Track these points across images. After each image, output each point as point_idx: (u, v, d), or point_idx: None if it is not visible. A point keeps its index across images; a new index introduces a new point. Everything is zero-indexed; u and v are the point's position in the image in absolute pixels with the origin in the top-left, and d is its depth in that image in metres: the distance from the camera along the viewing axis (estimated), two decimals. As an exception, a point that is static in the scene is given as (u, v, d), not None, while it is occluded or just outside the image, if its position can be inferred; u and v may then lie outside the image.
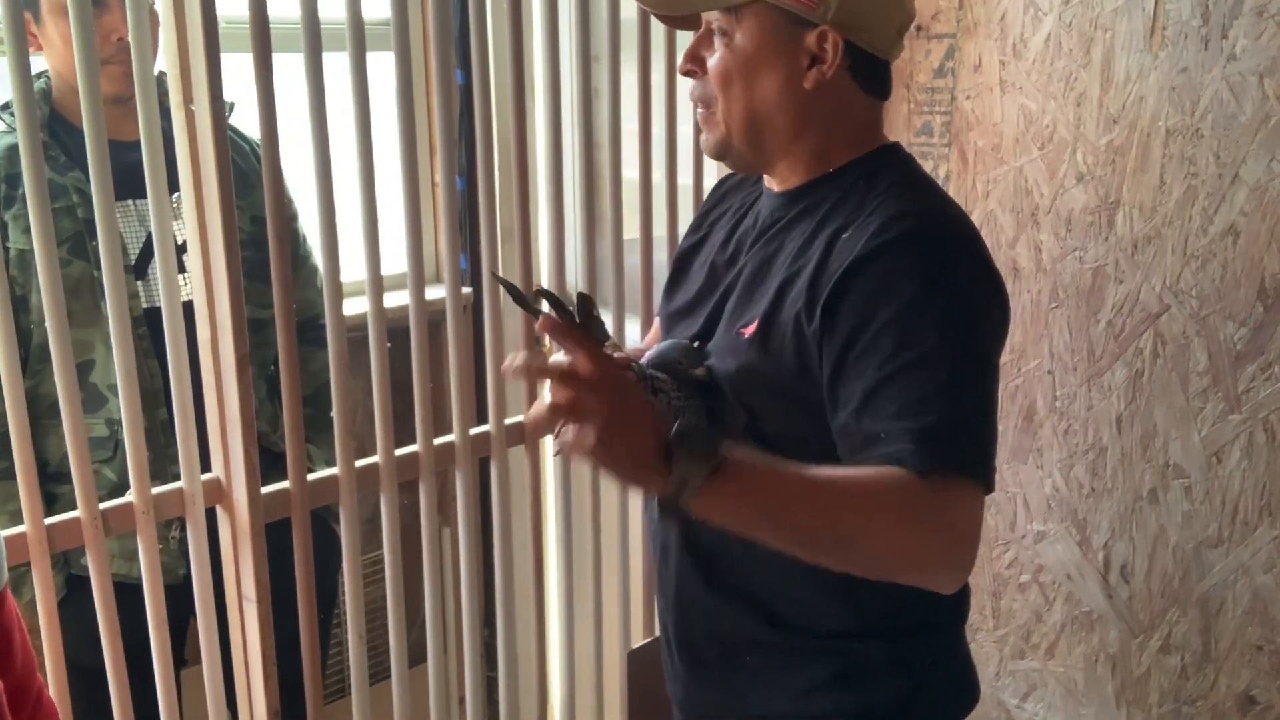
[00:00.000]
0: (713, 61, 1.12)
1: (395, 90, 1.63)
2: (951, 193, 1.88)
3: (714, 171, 1.89)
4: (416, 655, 1.96)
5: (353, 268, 1.66)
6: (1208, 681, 1.74)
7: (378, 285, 1.64)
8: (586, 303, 0.94)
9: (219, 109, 1.42)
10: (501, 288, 0.99)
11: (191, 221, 1.46)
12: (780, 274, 1.11)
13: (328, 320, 1.60)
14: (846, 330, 1.02)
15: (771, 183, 1.20)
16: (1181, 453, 1.72)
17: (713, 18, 1.12)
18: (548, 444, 1.99)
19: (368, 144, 1.59)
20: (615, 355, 1.10)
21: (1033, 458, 1.88)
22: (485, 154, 1.74)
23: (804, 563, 1.03)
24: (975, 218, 1.87)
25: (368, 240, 1.62)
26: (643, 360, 1.17)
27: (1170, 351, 1.70)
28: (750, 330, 1.11)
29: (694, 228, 1.34)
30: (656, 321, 1.44)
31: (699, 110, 1.16)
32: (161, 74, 1.48)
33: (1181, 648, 1.77)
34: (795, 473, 0.95)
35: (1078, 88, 1.74)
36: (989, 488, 1.00)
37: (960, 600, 1.22)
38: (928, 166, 1.92)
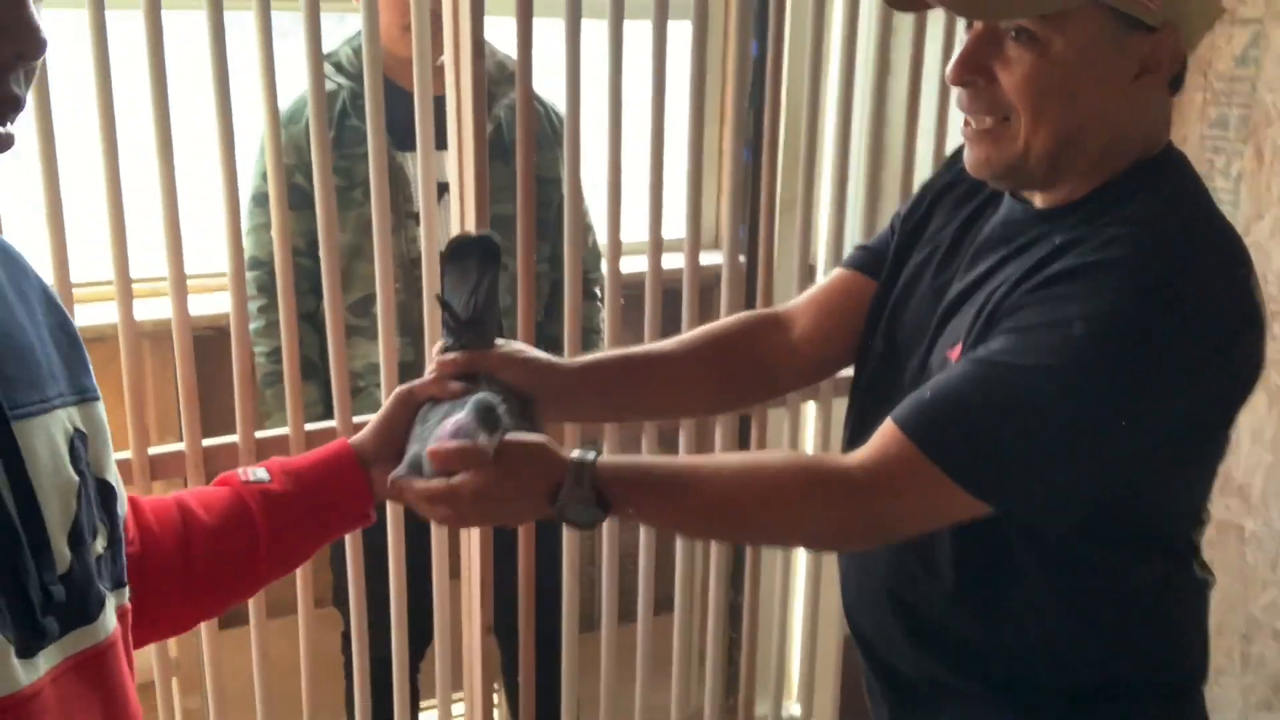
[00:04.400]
0: (1017, 72, 0.95)
1: (690, 59, 1.68)
2: (1242, 194, 1.72)
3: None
4: (664, 605, 2.04)
5: (632, 229, 1.74)
6: None
7: (657, 247, 1.71)
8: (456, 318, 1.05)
9: (479, 61, 1.51)
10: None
11: (454, 170, 1.57)
12: (987, 294, 1.00)
13: (606, 279, 1.69)
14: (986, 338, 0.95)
15: (1032, 196, 1.05)
16: None
17: (1016, 21, 0.95)
18: (808, 409, 2.01)
19: (660, 110, 1.65)
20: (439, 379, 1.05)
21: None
22: (771, 125, 1.76)
23: (1023, 616, 1.03)
24: (1264, 225, 1.70)
25: (652, 203, 1.69)
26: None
27: None
28: (954, 353, 1.01)
29: (921, 238, 1.16)
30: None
31: (973, 125, 1.00)
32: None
33: None
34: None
35: None
36: (959, 479, 0.93)
37: (1205, 656, 1.11)
38: (1217, 163, 1.76)
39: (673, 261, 1.83)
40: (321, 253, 1.52)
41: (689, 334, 1.25)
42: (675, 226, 1.82)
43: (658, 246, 1.71)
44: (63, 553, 0.72)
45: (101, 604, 0.75)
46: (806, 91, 1.78)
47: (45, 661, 0.70)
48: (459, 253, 1.06)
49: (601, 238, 1.77)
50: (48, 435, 0.72)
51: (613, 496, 0.96)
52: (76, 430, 0.75)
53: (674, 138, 1.71)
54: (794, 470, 1.00)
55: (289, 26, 1.44)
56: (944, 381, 0.96)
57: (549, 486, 0.96)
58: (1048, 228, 1.01)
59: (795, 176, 1.86)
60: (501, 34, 1.79)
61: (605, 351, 1.23)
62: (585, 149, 2.11)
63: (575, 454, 0.97)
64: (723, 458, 1.05)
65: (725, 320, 1.28)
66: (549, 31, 1.62)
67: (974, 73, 0.97)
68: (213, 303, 1.92)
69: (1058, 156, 0.97)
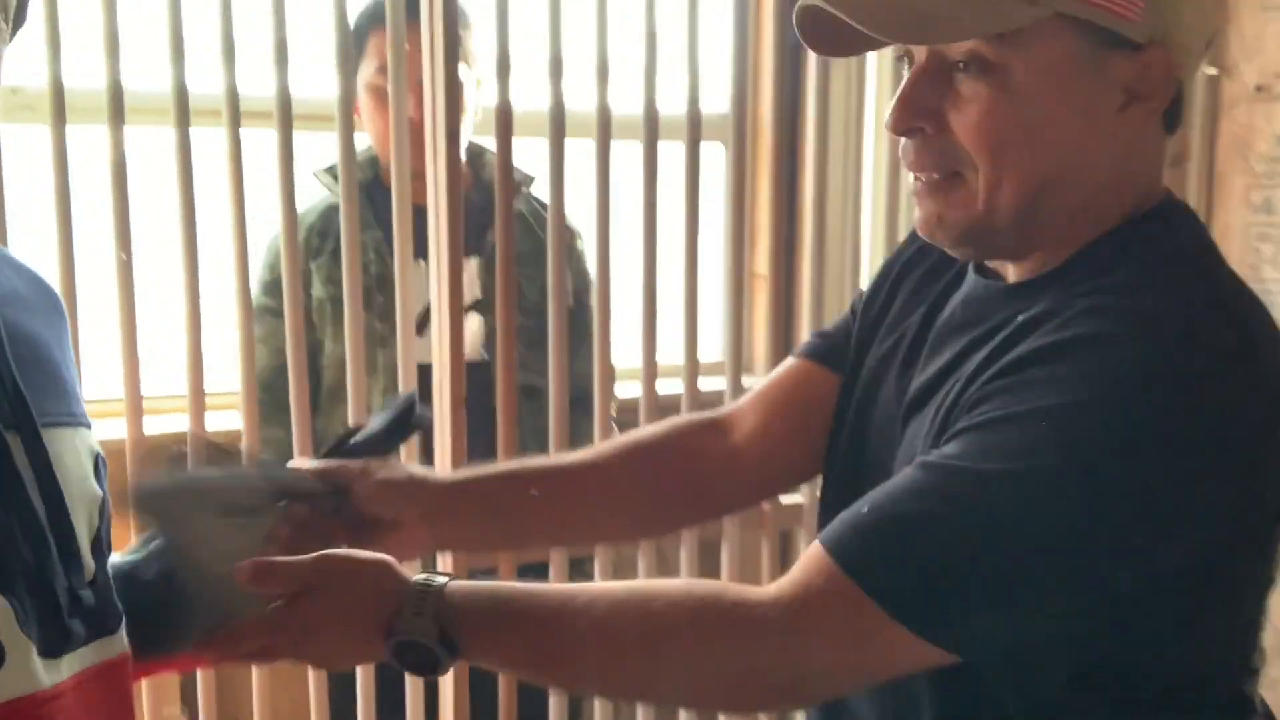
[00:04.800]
0: (971, 112, 0.77)
1: (683, 177, 1.63)
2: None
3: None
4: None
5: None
6: None
7: (651, 371, 1.64)
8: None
9: (455, 172, 1.48)
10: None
11: (434, 281, 1.53)
12: (946, 391, 0.84)
13: (596, 401, 1.62)
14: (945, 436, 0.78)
15: (1003, 269, 0.87)
16: None
17: (965, 47, 0.77)
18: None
19: (652, 231, 1.61)
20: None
21: None
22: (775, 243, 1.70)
23: None
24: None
25: (645, 325, 1.63)
26: None
27: None
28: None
29: (883, 325, 0.97)
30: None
31: (922, 179, 0.82)
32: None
33: None
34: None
35: None
36: (901, 618, 0.73)
37: None
38: (1265, 251, 1.59)
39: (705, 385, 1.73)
40: (289, 366, 1.49)
41: (607, 443, 1.07)
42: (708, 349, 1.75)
43: (651, 371, 1.64)
44: (88, 561, 0.72)
45: (119, 618, 0.75)
46: (812, 213, 1.73)
47: (69, 666, 0.70)
48: (403, 401, 1.02)
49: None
50: (74, 448, 0.73)
51: (461, 633, 0.77)
52: (97, 453, 0.76)
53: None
54: (690, 604, 0.79)
55: (298, 139, 1.46)
56: (885, 493, 0.77)
57: (381, 617, 0.77)
58: (1020, 304, 0.82)
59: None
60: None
61: (498, 464, 1.05)
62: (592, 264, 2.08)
63: (419, 578, 0.79)
64: (605, 587, 0.85)
65: (652, 426, 1.07)
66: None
67: (919, 117, 0.79)
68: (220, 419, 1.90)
69: (1030, 213, 0.79)
